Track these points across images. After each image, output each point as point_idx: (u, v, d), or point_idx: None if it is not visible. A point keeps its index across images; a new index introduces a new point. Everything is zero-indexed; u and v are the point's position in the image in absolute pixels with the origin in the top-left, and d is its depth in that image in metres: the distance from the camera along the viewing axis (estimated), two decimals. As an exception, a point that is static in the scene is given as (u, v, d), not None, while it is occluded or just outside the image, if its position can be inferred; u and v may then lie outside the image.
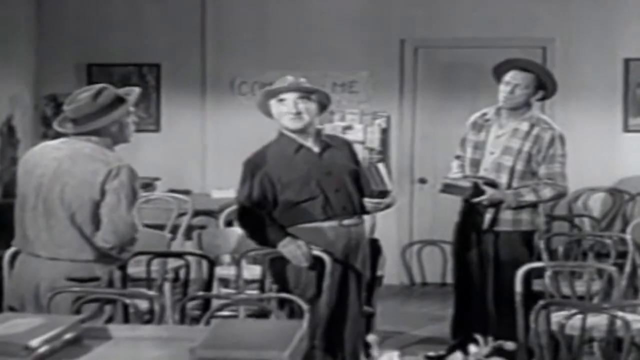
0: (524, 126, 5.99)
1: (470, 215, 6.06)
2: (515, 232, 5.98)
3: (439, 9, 9.09)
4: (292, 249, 5.04)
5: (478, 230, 6.02)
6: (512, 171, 5.95)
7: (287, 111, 5.10)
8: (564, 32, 8.92)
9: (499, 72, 6.09)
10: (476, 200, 5.90)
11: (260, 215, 5.13)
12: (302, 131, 5.15)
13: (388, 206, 5.29)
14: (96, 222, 4.44)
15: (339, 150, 5.29)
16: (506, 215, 5.96)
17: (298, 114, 5.10)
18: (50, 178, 4.46)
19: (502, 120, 6.06)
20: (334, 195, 5.13)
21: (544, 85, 6.06)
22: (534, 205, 6.01)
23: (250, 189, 5.12)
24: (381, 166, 5.29)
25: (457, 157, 6.29)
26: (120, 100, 4.56)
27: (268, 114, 5.23)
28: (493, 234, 5.98)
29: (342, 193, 5.17)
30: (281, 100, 5.12)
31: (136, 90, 4.66)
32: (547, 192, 5.97)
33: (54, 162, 4.49)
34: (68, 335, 2.86)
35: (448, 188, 6.02)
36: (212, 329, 2.76)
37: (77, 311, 4.01)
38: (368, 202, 5.19)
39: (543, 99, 6.21)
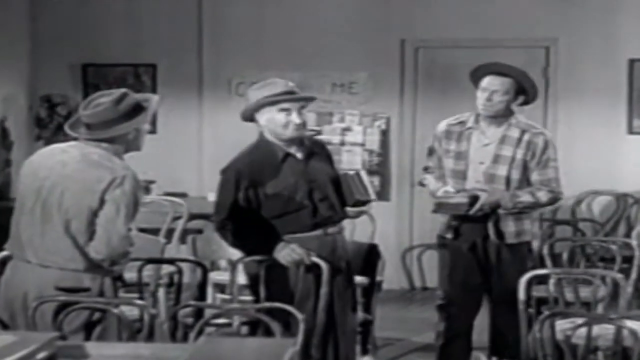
0: (514, 132, 5.71)
1: (463, 229, 5.73)
2: (518, 244, 5.73)
3: (440, 8, 9.00)
4: (285, 254, 4.94)
5: (473, 245, 5.73)
6: (507, 181, 5.68)
7: (291, 121, 4.98)
8: (567, 32, 8.81)
9: (474, 77, 5.83)
10: (475, 209, 5.59)
11: (245, 225, 5.00)
12: (291, 139, 5.04)
13: (366, 212, 5.26)
14: (91, 231, 4.33)
15: (320, 156, 5.21)
16: (509, 227, 5.70)
17: (303, 124, 5.03)
18: (52, 182, 4.36)
19: (484, 127, 5.76)
20: (320, 205, 5.04)
21: (524, 90, 5.74)
22: (532, 215, 5.80)
23: (233, 199, 5.00)
24: (364, 174, 5.22)
25: (426, 169, 5.98)
26: (139, 107, 4.45)
27: (250, 119, 5.10)
28: (496, 247, 5.71)
29: (326, 202, 5.09)
30: (284, 109, 4.99)
31: (155, 97, 4.58)
32: (543, 196, 5.70)
33: (59, 165, 4.38)
34: (41, 355, 2.71)
35: (442, 207, 5.71)
36: (195, 349, 2.62)
37: (62, 322, 3.89)
38: (351, 210, 5.11)
39: (525, 103, 5.83)
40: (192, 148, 9.29)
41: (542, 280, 5.36)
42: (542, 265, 5.95)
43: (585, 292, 5.66)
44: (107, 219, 4.30)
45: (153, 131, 9.14)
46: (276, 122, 5.00)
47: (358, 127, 9.12)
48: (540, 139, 5.72)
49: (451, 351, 5.87)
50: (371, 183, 5.27)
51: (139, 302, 4.27)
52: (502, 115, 5.73)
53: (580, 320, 4.31)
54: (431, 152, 5.95)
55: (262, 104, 5.02)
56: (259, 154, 5.07)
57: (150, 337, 4.03)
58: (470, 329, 5.87)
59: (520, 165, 5.69)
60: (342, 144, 9.02)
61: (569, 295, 5.39)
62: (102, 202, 4.29)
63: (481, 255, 5.74)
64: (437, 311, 5.98)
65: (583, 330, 4.30)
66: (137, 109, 4.45)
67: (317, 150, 5.21)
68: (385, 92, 9.10)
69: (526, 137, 5.70)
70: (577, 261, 6.26)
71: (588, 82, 8.79)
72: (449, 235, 5.80)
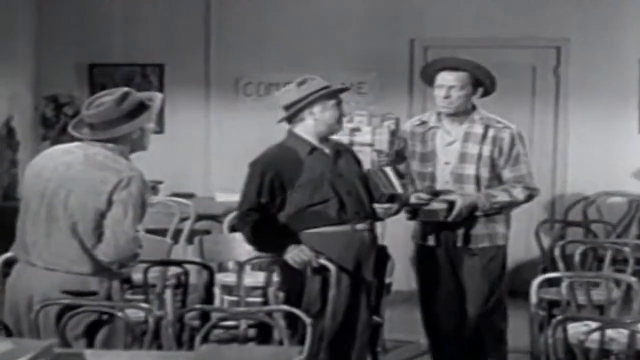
0: (477, 129, 5.54)
1: (439, 234, 5.61)
2: (492, 248, 5.58)
3: (450, 8, 8.94)
4: (294, 254, 4.95)
5: (449, 251, 5.61)
6: (477, 180, 5.52)
7: (342, 114, 5.18)
8: (578, 32, 8.75)
9: (426, 76, 5.67)
10: (454, 215, 5.43)
11: (265, 221, 4.98)
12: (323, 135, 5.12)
13: (397, 212, 5.18)
14: (98, 234, 4.27)
15: (348, 155, 5.29)
16: (481, 230, 5.55)
17: None
18: (57, 183, 4.30)
19: (447, 126, 5.60)
20: (347, 198, 5.02)
21: (480, 82, 5.55)
22: (506, 218, 5.65)
23: (259, 191, 5.02)
24: (389, 169, 5.18)
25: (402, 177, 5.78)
26: (143, 106, 4.38)
27: (291, 117, 5.06)
28: (468, 252, 5.58)
29: (354, 196, 5.10)
30: (338, 103, 5.08)
31: (159, 95, 4.51)
32: (519, 193, 5.52)
33: (63, 166, 4.32)
34: (38, 363, 2.64)
35: (418, 214, 5.56)
36: (197, 357, 2.54)
37: (65, 326, 3.83)
38: (379, 207, 5.08)
39: (485, 95, 5.64)
40: (200, 148, 9.23)
41: (554, 282, 5.30)
42: (554, 267, 5.87)
43: (597, 295, 5.60)
44: (115, 220, 4.24)
45: (160, 131, 9.11)
46: (330, 116, 5.09)
47: (367, 127, 9.02)
48: (506, 134, 5.54)
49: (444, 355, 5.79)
50: (398, 178, 5.22)
51: (144, 305, 4.22)
52: (464, 112, 5.56)
53: (594, 325, 4.24)
54: (397, 157, 5.82)
55: (317, 97, 5.04)
56: (287, 148, 5.11)
57: (155, 340, 3.97)
58: (461, 334, 5.72)
59: (488, 163, 5.52)
60: (351, 144, 8.91)
61: (581, 298, 5.31)
62: (109, 203, 4.22)
63: (456, 260, 5.62)
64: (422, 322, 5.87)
65: (596, 335, 4.25)
66: (141, 108, 4.37)
67: (342, 150, 5.29)
68: (394, 92, 9.03)
69: (491, 132, 5.54)
70: (589, 263, 6.18)
71: (599, 82, 8.72)
72: (431, 243, 5.67)
